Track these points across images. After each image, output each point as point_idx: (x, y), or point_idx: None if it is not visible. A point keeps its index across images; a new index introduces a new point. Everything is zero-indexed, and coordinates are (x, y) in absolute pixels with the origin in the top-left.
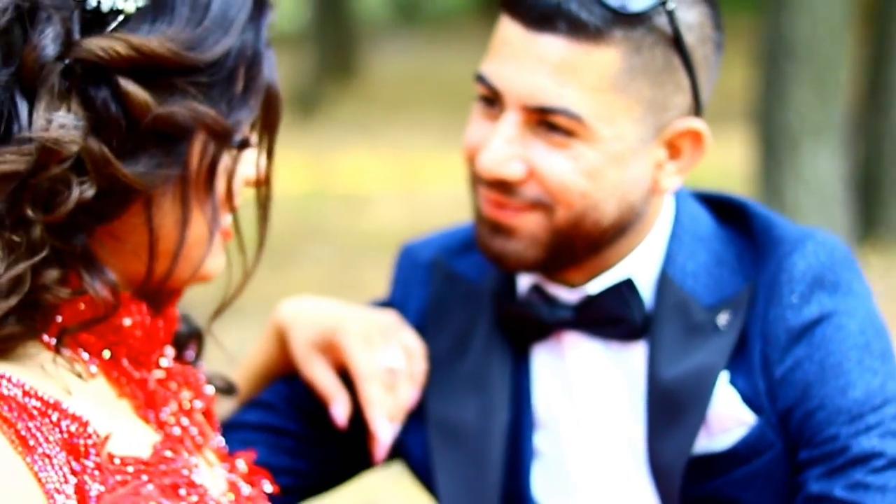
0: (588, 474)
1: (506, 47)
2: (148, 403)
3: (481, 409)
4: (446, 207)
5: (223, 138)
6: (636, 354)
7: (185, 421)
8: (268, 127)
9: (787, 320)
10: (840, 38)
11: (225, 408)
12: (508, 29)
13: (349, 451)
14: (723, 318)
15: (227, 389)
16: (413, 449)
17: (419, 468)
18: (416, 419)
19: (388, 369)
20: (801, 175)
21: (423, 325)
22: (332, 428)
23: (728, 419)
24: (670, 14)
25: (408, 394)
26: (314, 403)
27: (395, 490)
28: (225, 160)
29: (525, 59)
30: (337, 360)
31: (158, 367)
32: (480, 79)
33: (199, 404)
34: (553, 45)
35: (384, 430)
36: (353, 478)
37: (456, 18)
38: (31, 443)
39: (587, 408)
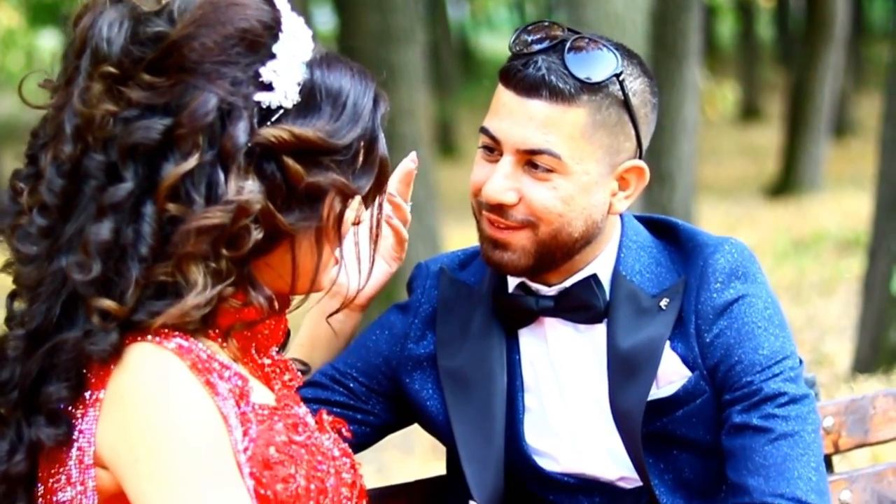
0: (566, 423)
1: (503, 108)
2: (265, 380)
3: (484, 376)
4: None
5: (348, 197)
6: (599, 333)
7: (287, 392)
8: (379, 186)
9: (713, 301)
10: None
11: None
12: (504, 95)
13: (380, 417)
14: (664, 303)
15: (304, 371)
16: (433, 409)
17: (439, 424)
18: (434, 387)
19: None
20: None
21: (435, 316)
22: (367, 400)
23: (671, 374)
24: (621, 83)
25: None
26: (351, 380)
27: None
28: (348, 211)
29: (518, 117)
30: None
31: (270, 356)
32: (484, 131)
33: (291, 381)
34: (539, 107)
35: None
36: (382, 436)
37: None
38: (215, 388)
39: (564, 374)
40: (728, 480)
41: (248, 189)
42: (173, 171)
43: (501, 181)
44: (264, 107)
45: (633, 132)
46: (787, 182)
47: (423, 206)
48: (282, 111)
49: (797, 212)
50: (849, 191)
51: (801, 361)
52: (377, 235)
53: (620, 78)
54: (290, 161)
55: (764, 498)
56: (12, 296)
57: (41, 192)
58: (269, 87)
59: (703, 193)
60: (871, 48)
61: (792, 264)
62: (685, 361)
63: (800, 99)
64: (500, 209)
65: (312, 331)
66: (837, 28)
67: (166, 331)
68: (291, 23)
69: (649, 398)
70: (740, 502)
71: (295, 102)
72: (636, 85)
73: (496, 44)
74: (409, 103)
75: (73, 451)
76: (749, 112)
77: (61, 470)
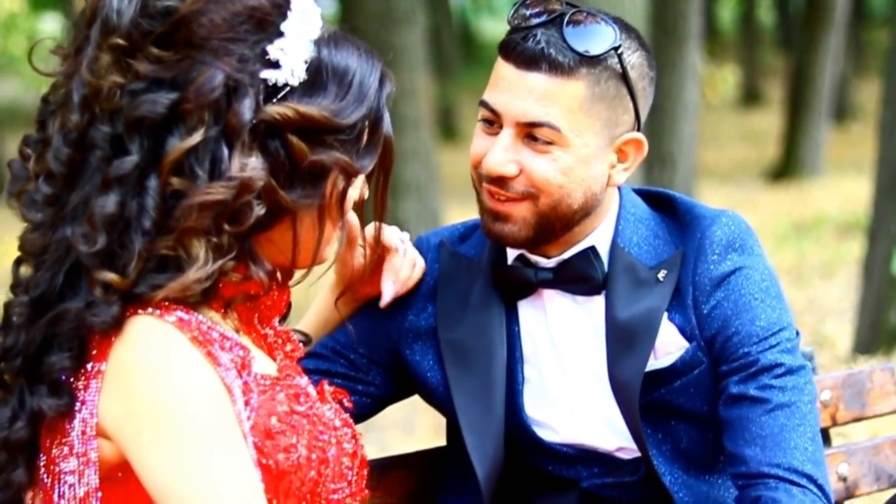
0: (565, 394)
1: (503, 81)
2: (268, 351)
3: (484, 347)
4: None
5: (351, 176)
6: (597, 304)
7: (288, 363)
8: (384, 166)
9: (710, 272)
10: None
11: None
12: (504, 68)
13: (381, 388)
14: (662, 274)
15: (305, 342)
16: (433, 380)
17: (440, 394)
18: (435, 358)
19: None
20: None
21: (436, 289)
22: (367, 371)
23: (669, 345)
24: (620, 57)
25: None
26: (353, 352)
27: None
28: (351, 189)
29: (518, 90)
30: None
31: (272, 326)
32: (484, 104)
33: (293, 352)
34: (538, 80)
35: (388, 290)
36: (382, 408)
37: None
38: (217, 359)
39: (562, 345)
40: (725, 450)
41: (251, 166)
42: (178, 145)
43: (502, 153)
44: (270, 84)
45: (631, 105)
46: (787, 166)
47: (425, 188)
48: (288, 89)
49: (798, 195)
50: (849, 174)
51: (797, 333)
52: (382, 214)
53: (619, 51)
54: (294, 139)
55: (761, 467)
56: (18, 262)
57: (48, 160)
58: (275, 65)
59: (705, 177)
60: (872, 33)
61: (793, 247)
62: (683, 332)
63: (800, 83)
64: (500, 181)
65: (329, 313)
66: (838, 12)
67: (167, 303)
68: (301, 1)
69: (647, 369)
70: (737, 472)
71: (301, 80)
72: (634, 58)
73: (497, 28)
74: (410, 85)
75: (76, 423)
76: (750, 96)
77: (64, 440)
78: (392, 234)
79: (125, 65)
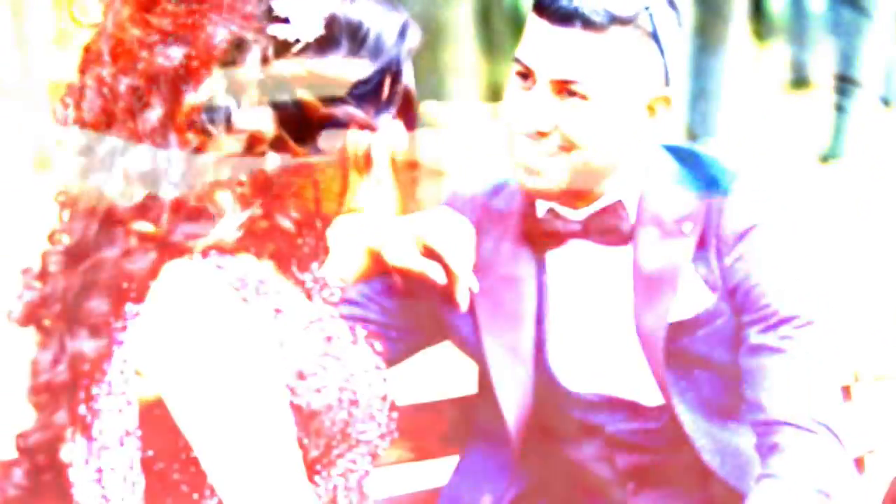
0: (591, 343)
1: (536, 38)
2: (306, 296)
3: (514, 297)
4: None
5: (370, 131)
6: (625, 255)
7: (325, 307)
8: (406, 120)
9: (734, 225)
10: None
11: None
12: (537, 25)
13: (413, 334)
14: (686, 227)
15: (343, 286)
16: (464, 328)
17: (470, 342)
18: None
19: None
20: None
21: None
22: (402, 318)
23: (693, 295)
24: (651, 15)
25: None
26: (387, 298)
27: None
28: (370, 144)
29: (552, 46)
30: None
31: (311, 271)
32: (518, 60)
33: (331, 297)
34: (571, 37)
35: (469, 278)
36: (414, 353)
37: None
38: (252, 303)
39: (589, 295)
40: (745, 399)
41: (260, 119)
42: (189, 100)
43: (536, 109)
44: (280, 39)
45: (662, 63)
46: (835, 150)
47: None
48: (300, 43)
49: (846, 180)
50: None
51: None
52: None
53: (649, 10)
54: (305, 94)
55: (778, 416)
56: (58, 207)
57: (82, 109)
58: (284, 20)
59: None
60: None
61: (840, 231)
62: (707, 283)
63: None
64: (534, 137)
65: (363, 259)
66: None
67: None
68: None
69: (672, 319)
70: (756, 420)
71: (314, 35)
72: (664, 17)
73: None
74: (456, 61)
75: (114, 363)
76: (799, 80)
77: (103, 380)
78: (442, 241)
79: (142, 19)
